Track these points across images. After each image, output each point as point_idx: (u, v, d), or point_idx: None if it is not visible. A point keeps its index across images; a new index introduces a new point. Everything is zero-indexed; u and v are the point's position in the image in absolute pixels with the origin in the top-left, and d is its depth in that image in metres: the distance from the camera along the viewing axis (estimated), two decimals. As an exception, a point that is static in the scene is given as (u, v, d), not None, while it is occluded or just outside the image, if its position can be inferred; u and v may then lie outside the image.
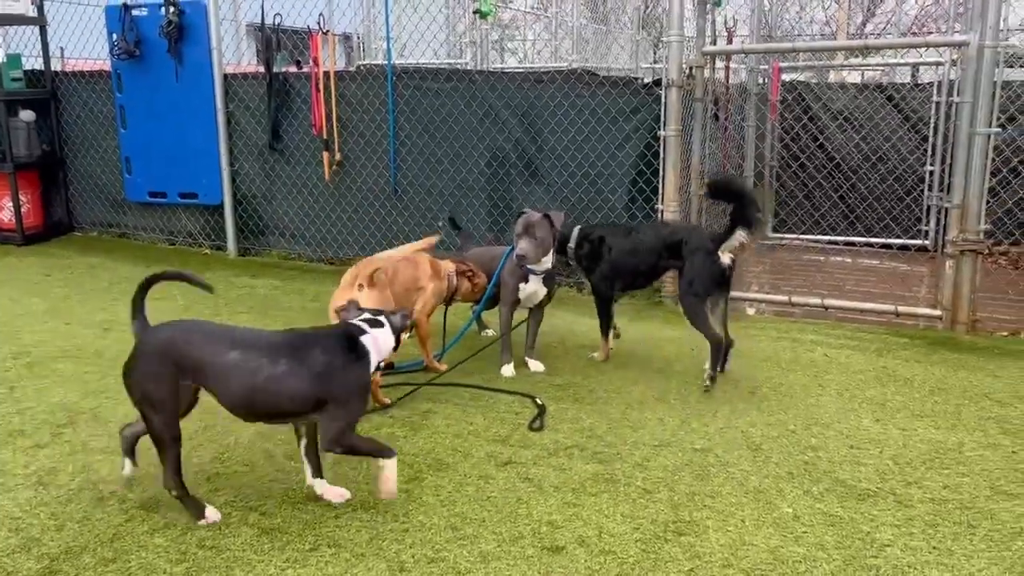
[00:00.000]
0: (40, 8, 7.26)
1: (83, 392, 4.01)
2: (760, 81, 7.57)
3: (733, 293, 4.53)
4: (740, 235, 3.89)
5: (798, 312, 5.41)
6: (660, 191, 5.56)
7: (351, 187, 6.59)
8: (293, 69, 6.71)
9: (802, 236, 7.33)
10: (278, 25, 6.48)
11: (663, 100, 5.41)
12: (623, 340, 4.76)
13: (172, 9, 6.62)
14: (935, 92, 6.91)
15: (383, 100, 6.34)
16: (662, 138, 5.46)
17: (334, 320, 3.94)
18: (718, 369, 4.10)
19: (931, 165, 6.98)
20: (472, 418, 3.73)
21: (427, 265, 4.25)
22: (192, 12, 6.67)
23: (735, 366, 4.35)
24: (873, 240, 7.13)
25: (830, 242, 7.29)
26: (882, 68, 7.57)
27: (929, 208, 7.08)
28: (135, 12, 6.85)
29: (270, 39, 6.51)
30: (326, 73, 6.35)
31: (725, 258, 3.97)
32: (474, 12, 7.86)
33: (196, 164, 6.99)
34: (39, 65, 7.55)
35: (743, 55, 7.03)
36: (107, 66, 7.30)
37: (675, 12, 5.26)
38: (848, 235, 7.25)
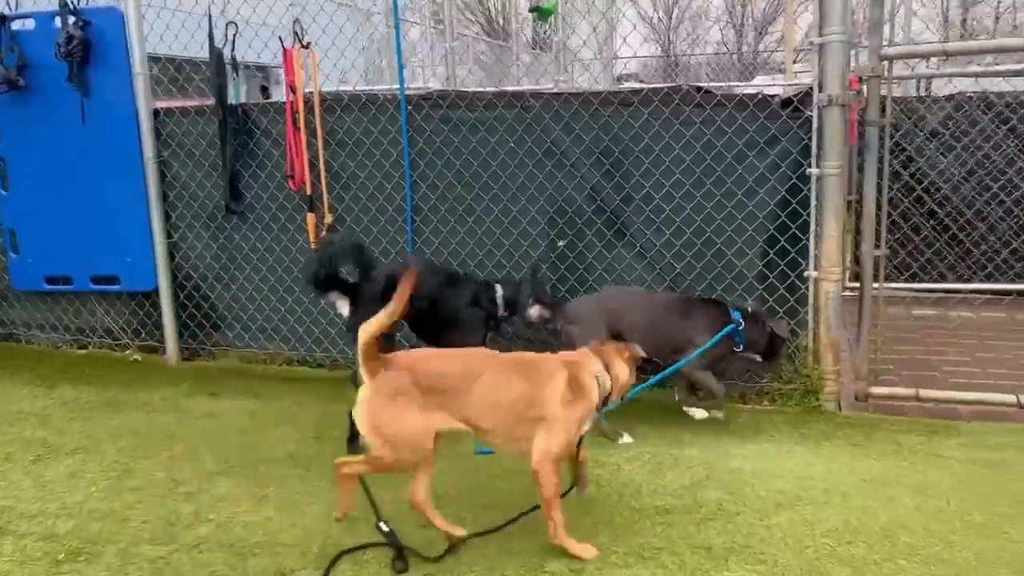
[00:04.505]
0: None
1: None
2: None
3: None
4: None
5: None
6: (812, 253, 4.01)
7: (347, 259, 4.72)
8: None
9: (906, 286, 5.82)
10: (234, 38, 4.59)
11: (815, 125, 3.88)
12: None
13: (74, 20, 4.63)
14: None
15: (392, 139, 4.55)
16: (814, 178, 3.93)
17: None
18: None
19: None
20: None
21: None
22: (103, 23, 4.69)
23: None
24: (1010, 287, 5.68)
25: (934, 291, 5.85)
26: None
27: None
28: (15, 26, 4.82)
29: (221, 57, 4.61)
30: (308, 103, 4.51)
31: None
32: (530, 11, 6.19)
33: (116, 236, 4.95)
34: None
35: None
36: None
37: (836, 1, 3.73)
38: (963, 281, 5.82)
